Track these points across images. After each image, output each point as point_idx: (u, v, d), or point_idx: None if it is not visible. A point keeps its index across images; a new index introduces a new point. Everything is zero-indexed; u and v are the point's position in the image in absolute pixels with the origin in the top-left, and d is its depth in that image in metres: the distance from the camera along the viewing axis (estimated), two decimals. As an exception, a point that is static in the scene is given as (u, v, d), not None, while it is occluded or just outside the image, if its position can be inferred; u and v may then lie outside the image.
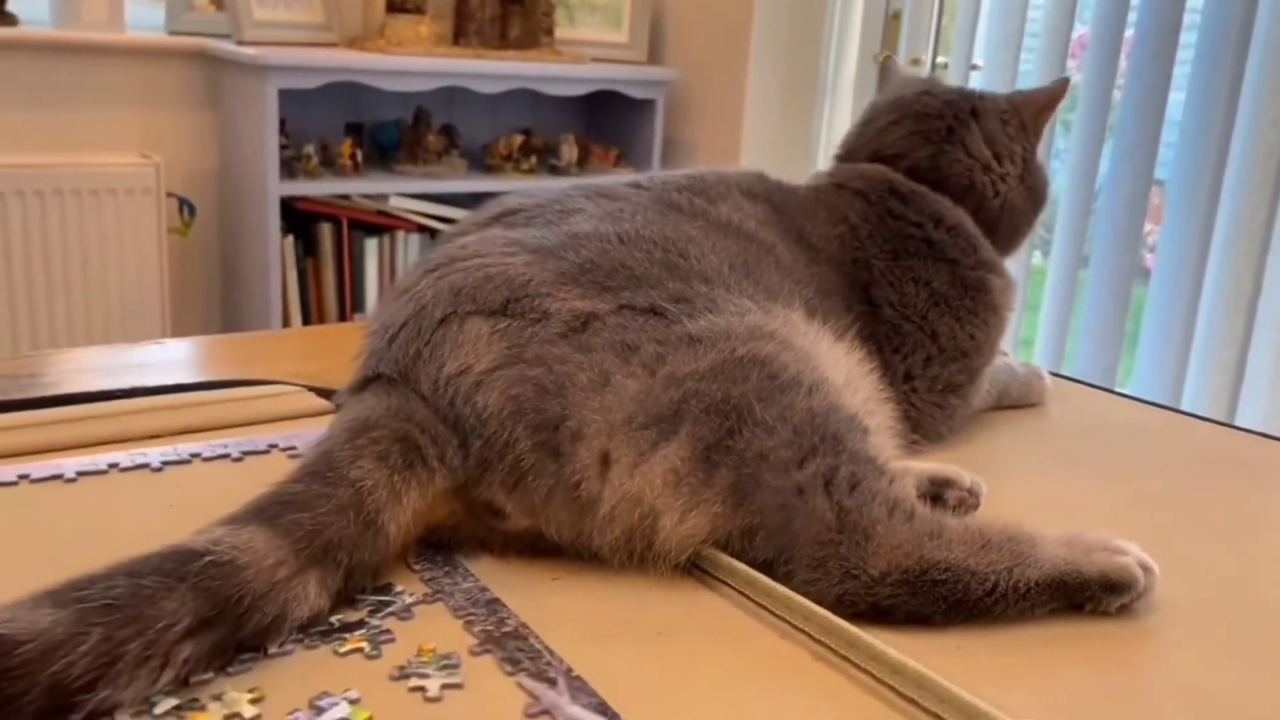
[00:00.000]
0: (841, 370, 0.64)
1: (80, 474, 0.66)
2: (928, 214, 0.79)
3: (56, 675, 0.41)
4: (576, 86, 2.65)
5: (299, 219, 2.45)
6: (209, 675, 0.46)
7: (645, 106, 2.70)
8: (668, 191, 0.74)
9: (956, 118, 0.83)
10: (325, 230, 2.51)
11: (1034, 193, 0.86)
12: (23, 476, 0.65)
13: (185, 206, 2.42)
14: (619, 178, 0.78)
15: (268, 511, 0.52)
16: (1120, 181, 2.01)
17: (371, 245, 2.55)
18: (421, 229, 2.60)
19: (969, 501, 0.65)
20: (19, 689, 0.41)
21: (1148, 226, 2.04)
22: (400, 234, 2.58)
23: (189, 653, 0.45)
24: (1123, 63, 2.03)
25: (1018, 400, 0.91)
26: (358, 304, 2.56)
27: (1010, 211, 0.85)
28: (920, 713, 0.46)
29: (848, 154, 0.85)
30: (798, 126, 2.57)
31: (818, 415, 0.58)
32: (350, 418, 0.58)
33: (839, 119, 2.58)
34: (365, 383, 0.62)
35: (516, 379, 0.58)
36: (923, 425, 0.77)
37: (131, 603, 0.44)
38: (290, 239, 2.43)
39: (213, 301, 2.60)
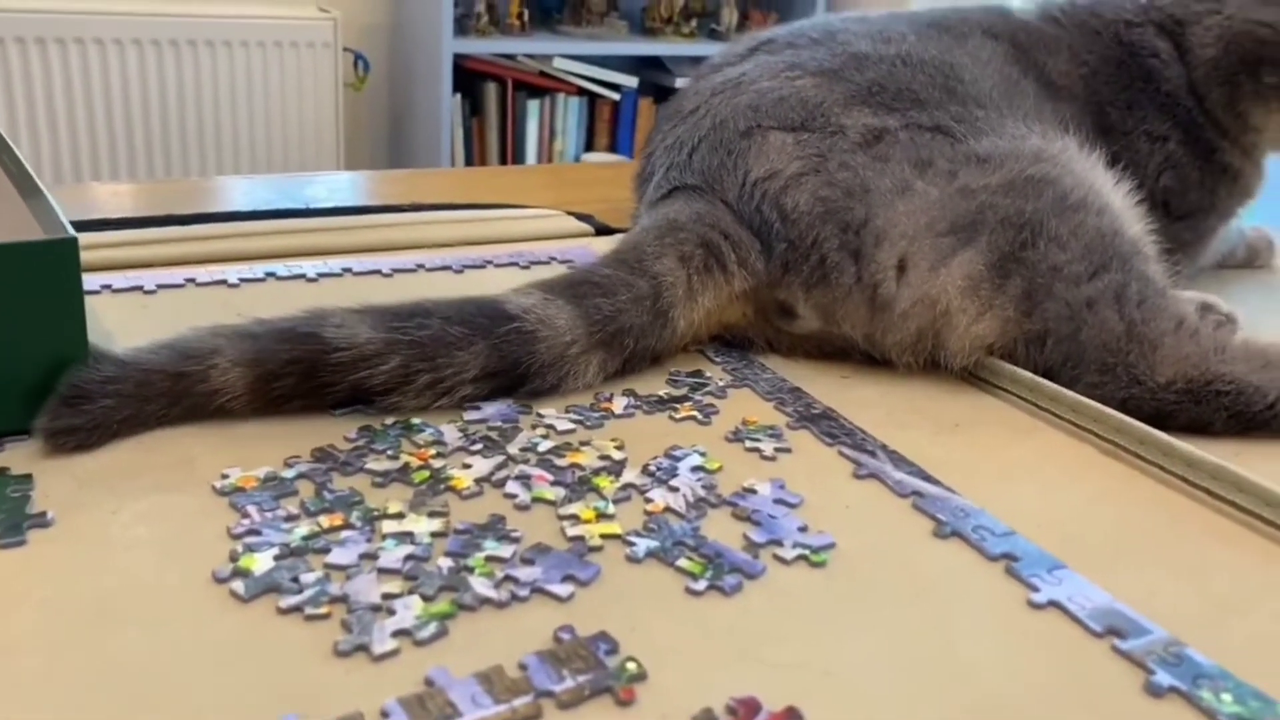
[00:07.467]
0: (1118, 196, 0.66)
1: (395, 270, 0.73)
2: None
3: (359, 379, 0.52)
4: (741, -52, 2.60)
5: (465, 77, 2.50)
6: (572, 428, 0.53)
7: (809, -30, 2.64)
8: (916, 25, 0.75)
9: None
10: (490, 90, 2.56)
11: None
12: (346, 269, 0.72)
13: (360, 62, 2.49)
14: (858, 14, 0.79)
15: (579, 290, 0.58)
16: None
17: (534, 107, 2.59)
18: (581, 92, 2.63)
19: (1227, 327, 0.67)
20: (330, 381, 0.51)
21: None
22: (561, 96, 2.62)
23: (468, 391, 0.54)
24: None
25: (1243, 262, 0.91)
26: (518, 164, 2.62)
27: None
28: (1217, 501, 0.50)
29: None
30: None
31: (1106, 235, 0.61)
32: (660, 216, 0.64)
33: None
34: (669, 194, 0.67)
35: (824, 183, 0.62)
36: None
37: (434, 345, 0.53)
38: (457, 97, 2.49)
39: (380, 157, 2.69)
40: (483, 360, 0.54)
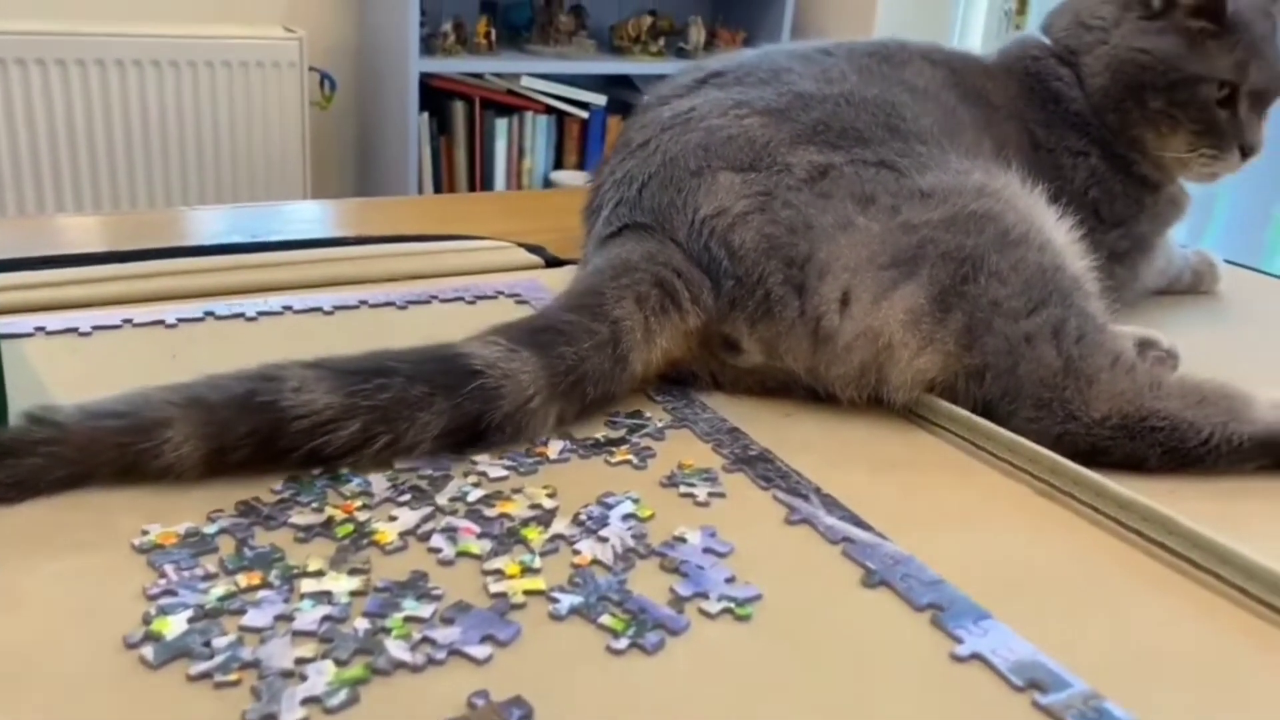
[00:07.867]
0: (1060, 233, 0.66)
1: (336, 308, 0.72)
2: None
3: (318, 445, 0.50)
4: (708, -34, 2.61)
5: (433, 96, 2.50)
6: (505, 475, 0.52)
7: (776, -12, 2.65)
8: (856, 57, 0.76)
9: None
10: (458, 108, 2.55)
11: None
12: (286, 308, 0.72)
13: (326, 81, 2.48)
14: (802, 44, 0.79)
15: (542, 338, 0.57)
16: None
17: (502, 125, 2.59)
18: (550, 110, 2.63)
19: (1168, 363, 0.68)
20: (289, 447, 0.50)
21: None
22: (529, 115, 2.61)
23: (428, 448, 0.53)
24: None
25: (1189, 288, 0.92)
26: (487, 182, 2.61)
27: None
28: (1146, 543, 0.50)
29: None
30: (934, 8, 2.51)
31: (1047, 270, 0.61)
32: (613, 256, 0.63)
33: (975, 4, 2.51)
34: (619, 231, 0.66)
35: (769, 220, 0.62)
36: None
37: (395, 408, 0.51)
38: (425, 116, 2.49)
39: (348, 176, 2.68)
40: (445, 420, 0.53)
